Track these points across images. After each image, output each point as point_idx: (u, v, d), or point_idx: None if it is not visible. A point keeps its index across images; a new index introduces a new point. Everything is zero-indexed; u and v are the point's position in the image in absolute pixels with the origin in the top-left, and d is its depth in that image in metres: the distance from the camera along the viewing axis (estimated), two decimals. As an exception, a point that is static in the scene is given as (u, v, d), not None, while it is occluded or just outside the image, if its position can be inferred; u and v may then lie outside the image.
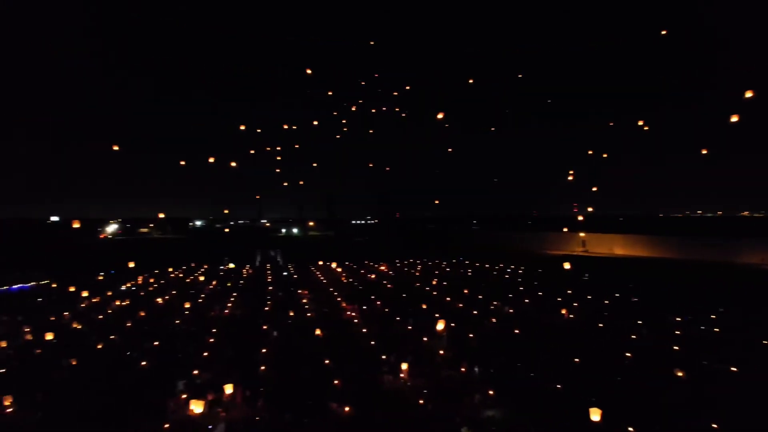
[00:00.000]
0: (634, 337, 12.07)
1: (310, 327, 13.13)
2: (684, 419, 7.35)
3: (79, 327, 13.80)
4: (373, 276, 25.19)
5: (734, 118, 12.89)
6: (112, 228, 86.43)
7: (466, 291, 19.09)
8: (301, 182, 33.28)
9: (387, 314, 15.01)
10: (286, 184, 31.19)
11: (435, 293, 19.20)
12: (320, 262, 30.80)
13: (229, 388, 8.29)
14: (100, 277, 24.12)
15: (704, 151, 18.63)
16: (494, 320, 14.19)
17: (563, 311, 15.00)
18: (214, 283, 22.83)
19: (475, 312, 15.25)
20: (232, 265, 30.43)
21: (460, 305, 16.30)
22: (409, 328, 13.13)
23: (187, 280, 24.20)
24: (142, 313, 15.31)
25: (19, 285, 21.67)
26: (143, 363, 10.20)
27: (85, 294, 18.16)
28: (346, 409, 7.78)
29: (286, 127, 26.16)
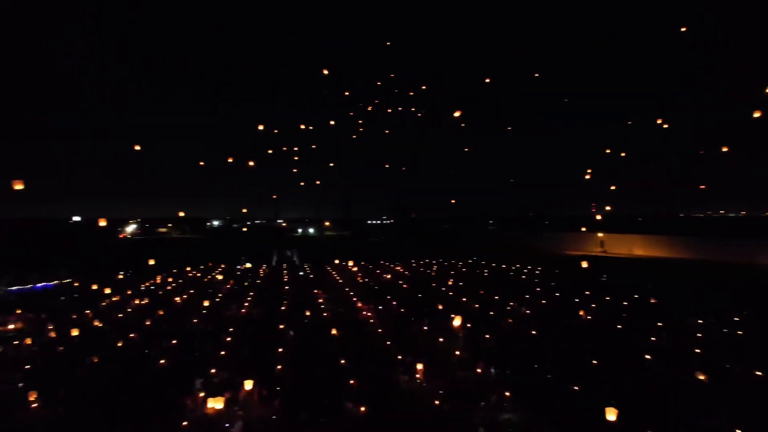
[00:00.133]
0: (653, 339, 11.87)
1: (326, 327, 13.19)
2: (705, 423, 7.20)
3: (100, 325, 14.06)
4: (388, 276, 25.18)
5: (757, 114, 12.61)
6: (131, 228, 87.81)
7: (482, 291, 18.97)
8: (318, 182, 33.46)
9: (403, 314, 15.00)
10: (303, 183, 31.40)
11: (451, 293, 19.11)
12: (336, 261, 30.90)
13: (248, 384, 8.38)
14: (120, 276, 24.55)
15: (725, 149, 18.26)
16: (511, 321, 14.08)
17: (581, 312, 14.83)
18: (231, 282, 23.06)
19: (491, 313, 15.16)
20: (248, 265, 30.70)
21: (476, 306, 16.21)
22: (425, 328, 13.10)
23: (205, 280, 24.49)
24: (161, 312, 15.54)
25: (42, 283, 22.16)
26: (162, 361, 10.35)
27: (106, 292, 18.50)
28: (362, 409, 7.79)
29: (303, 127, 26.32)
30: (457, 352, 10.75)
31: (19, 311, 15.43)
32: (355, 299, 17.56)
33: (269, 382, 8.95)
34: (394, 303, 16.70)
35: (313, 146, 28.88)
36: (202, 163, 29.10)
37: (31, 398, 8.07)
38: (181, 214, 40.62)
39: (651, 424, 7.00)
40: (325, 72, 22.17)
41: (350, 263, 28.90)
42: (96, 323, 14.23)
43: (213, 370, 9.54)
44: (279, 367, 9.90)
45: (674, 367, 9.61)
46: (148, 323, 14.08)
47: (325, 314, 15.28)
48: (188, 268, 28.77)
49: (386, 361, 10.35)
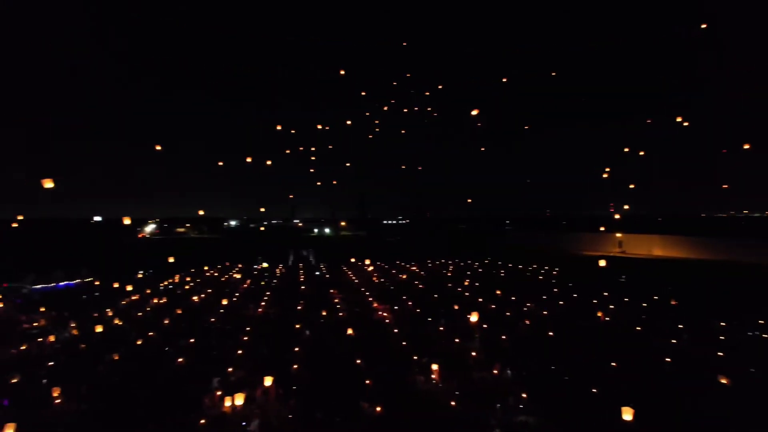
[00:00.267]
0: (674, 341, 11.64)
1: (342, 326, 13.22)
2: (728, 429, 7.05)
3: (120, 323, 14.30)
4: (404, 276, 25.15)
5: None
6: (150, 228, 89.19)
7: (498, 292, 18.83)
8: (335, 182, 33.54)
9: (418, 314, 14.98)
10: (319, 183, 31.53)
11: (467, 294, 19.01)
12: (353, 259, 30.99)
13: (268, 380, 8.46)
14: (140, 276, 24.95)
15: (746, 146, 17.81)
16: (528, 322, 13.95)
17: (599, 313, 14.63)
18: (248, 282, 23.27)
19: (508, 313, 15.04)
20: (265, 265, 30.95)
21: (493, 306, 16.09)
22: (441, 329, 13.05)
23: (222, 279, 24.75)
24: (179, 311, 15.75)
25: (65, 282, 22.63)
26: (180, 360, 10.48)
27: (128, 289, 18.82)
28: (377, 408, 7.79)
29: (320, 127, 26.42)
30: (474, 353, 10.68)
31: (43, 309, 15.79)
32: (371, 299, 17.57)
33: (285, 381, 9.01)
34: (410, 303, 16.68)
35: (330, 146, 28.97)
36: (221, 163, 29.28)
37: (55, 394, 8.25)
38: (201, 212, 40.94)
39: (670, 429, 6.87)
40: (342, 72, 22.22)
41: (367, 261, 28.91)
42: (116, 321, 14.48)
43: (230, 369, 9.64)
44: (295, 366, 9.95)
45: (696, 370, 9.42)
46: (166, 322, 14.28)
47: (341, 314, 15.32)
48: (206, 268, 29.13)
49: (402, 362, 10.34)
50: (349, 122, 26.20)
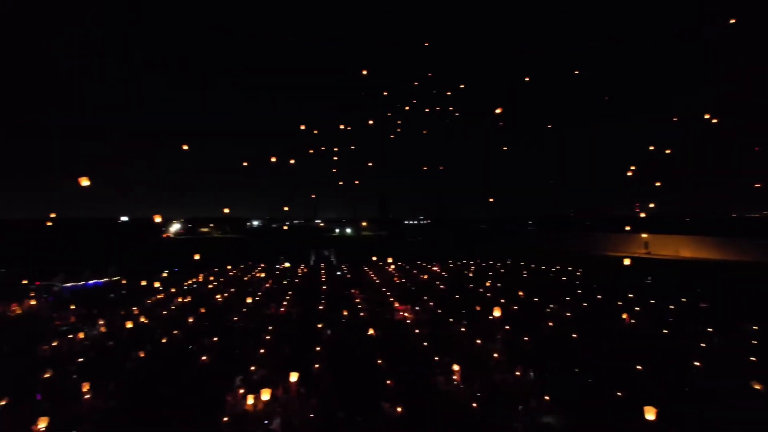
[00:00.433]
0: (703, 345, 11.31)
1: (363, 326, 13.24)
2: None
3: (146, 322, 14.59)
4: (425, 276, 25.07)
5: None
6: (175, 227, 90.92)
7: (521, 293, 18.60)
8: (357, 182, 33.60)
9: (440, 315, 14.90)
10: (341, 183, 31.71)
11: (488, 295, 18.82)
12: (374, 258, 31.02)
13: (294, 376, 8.54)
14: (165, 274, 25.43)
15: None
16: (551, 323, 13.74)
17: (624, 315, 14.33)
18: (270, 281, 23.50)
19: (530, 315, 14.84)
20: (287, 264, 31.23)
21: (515, 307, 15.90)
22: (463, 329, 12.97)
23: (245, 279, 25.04)
24: (203, 310, 15.98)
25: (93, 281, 23.21)
26: (203, 358, 10.64)
27: (155, 286, 19.19)
28: (398, 409, 7.78)
29: (342, 127, 26.55)
30: (496, 355, 10.58)
31: (72, 306, 16.22)
32: (392, 299, 17.56)
33: (307, 380, 9.07)
34: (431, 303, 16.61)
35: (352, 146, 29.10)
36: (245, 164, 29.63)
37: (84, 389, 8.46)
38: (226, 210, 41.49)
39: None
40: (364, 72, 22.25)
41: (389, 260, 28.87)
42: (142, 319, 14.78)
43: (252, 368, 9.74)
44: (317, 365, 10.00)
45: (727, 375, 9.14)
46: (190, 320, 14.51)
47: (362, 314, 15.35)
48: (229, 267, 29.52)
49: (423, 362, 10.30)
50: (371, 122, 26.26)
